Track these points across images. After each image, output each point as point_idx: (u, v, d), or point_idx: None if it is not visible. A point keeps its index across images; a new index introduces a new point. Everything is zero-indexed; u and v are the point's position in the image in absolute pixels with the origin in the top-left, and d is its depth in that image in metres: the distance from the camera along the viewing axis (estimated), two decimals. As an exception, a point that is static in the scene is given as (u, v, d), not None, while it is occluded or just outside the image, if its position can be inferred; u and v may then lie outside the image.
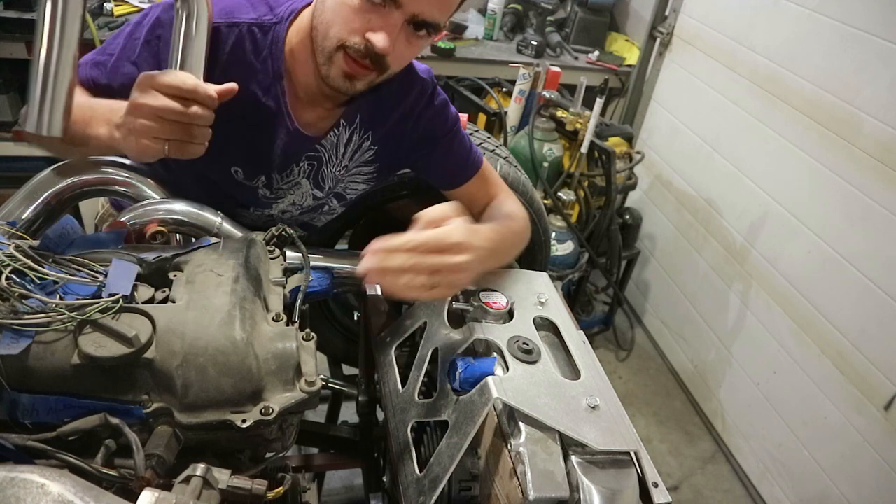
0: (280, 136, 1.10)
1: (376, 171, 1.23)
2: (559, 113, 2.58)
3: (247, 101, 1.04)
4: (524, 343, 0.86)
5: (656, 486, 0.78)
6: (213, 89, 0.86)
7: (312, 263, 1.04)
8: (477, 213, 1.20)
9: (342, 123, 1.14)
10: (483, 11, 3.28)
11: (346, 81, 1.00)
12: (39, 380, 0.67)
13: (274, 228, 1.00)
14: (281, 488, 0.72)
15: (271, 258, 0.96)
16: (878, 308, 2.00)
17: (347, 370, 1.71)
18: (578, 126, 2.52)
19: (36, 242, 0.78)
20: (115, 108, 0.91)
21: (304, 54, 1.04)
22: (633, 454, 0.78)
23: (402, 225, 1.41)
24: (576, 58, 3.20)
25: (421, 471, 0.82)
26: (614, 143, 2.66)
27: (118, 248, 0.83)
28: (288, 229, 1.00)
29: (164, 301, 0.76)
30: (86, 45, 0.98)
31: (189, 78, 0.86)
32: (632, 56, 3.24)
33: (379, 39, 0.93)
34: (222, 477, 0.64)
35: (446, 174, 1.23)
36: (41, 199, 1.01)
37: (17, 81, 2.53)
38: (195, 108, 0.85)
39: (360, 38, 0.95)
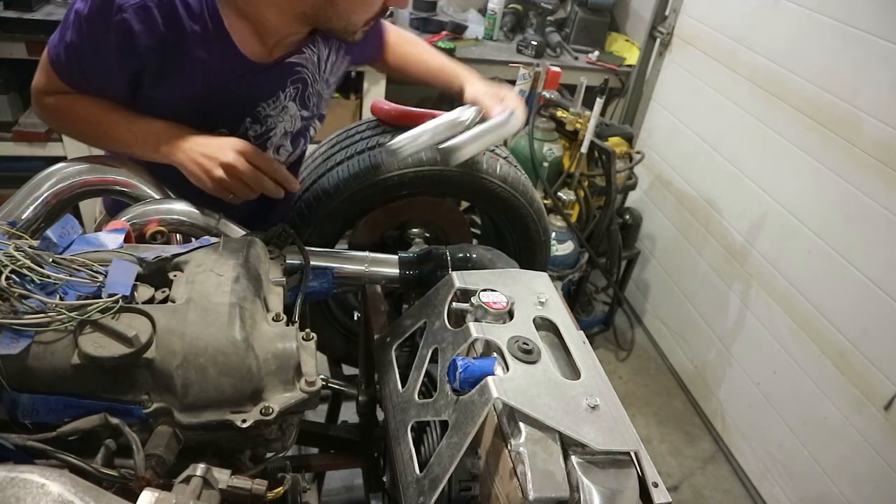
0: (252, 78, 1.14)
1: (342, 65, 1.33)
2: (559, 113, 2.58)
3: (201, 66, 1.07)
4: (524, 343, 0.86)
5: (656, 486, 0.78)
6: (293, 180, 1.12)
7: (312, 263, 1.04)
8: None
9: (318, 41, 1.20)
10: (483, 11, 3.28)
11: (364, 34, 1.15)
12: (39, 380, 0.67)
13: (274, 228, 1.00)
14: (281, 488, 0.72)
15: (271, 258, 0.96)
16: (878, 308, 2.00)
17: (347, 370, 1.71)
18: (578, 126, 2.52)
19: (36, 242, 0.78)
20: (196, 142, 1.07)
21: (272, 9, 1.06)
22: (633, 454, 0.78)
23: (402, 224, 1.42)
24: (576, 58, 3.20)
25: (421, 471, 0.82)
26: (614, 143, 2.66)
27: (118, 248, 0.83)
28: (288, 229, 1.00)
29: (164, 301, 0.76)
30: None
31: (280, 168, 1.11)
32: (632, 56, 3.24)
33: (402, 4, 1.15)
34: (222, 477, 0.64)
35: (377, 47, 1.42)
36: (41, 199, 1.01)
37: (17, 81, 2.53)
38: (270, 185, 1.08)
39: (380, 9, 1.10)
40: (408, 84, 1.51)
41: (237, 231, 1.08)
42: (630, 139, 2.85)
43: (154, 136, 1.08)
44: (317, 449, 1.50)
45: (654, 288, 3.25)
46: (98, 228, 1.36)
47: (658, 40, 3.08)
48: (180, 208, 1.05)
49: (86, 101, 1.10)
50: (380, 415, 1.19)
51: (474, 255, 1.15)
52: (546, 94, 2.58)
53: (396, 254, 1.17)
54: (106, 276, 0.73)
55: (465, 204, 1.97)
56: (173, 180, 1.12)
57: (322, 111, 1.34)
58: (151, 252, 0.82)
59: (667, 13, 3.02)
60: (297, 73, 1.19)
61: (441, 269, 1.12)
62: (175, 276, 0.80)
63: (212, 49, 1.06)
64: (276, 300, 0.88)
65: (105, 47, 1.01)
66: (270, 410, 0.71)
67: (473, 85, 1.31)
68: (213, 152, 1.05)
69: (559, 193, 2.55)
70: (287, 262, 1.00)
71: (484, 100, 1.23)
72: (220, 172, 1.04)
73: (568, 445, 0.77)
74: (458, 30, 3.11)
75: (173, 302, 0.76)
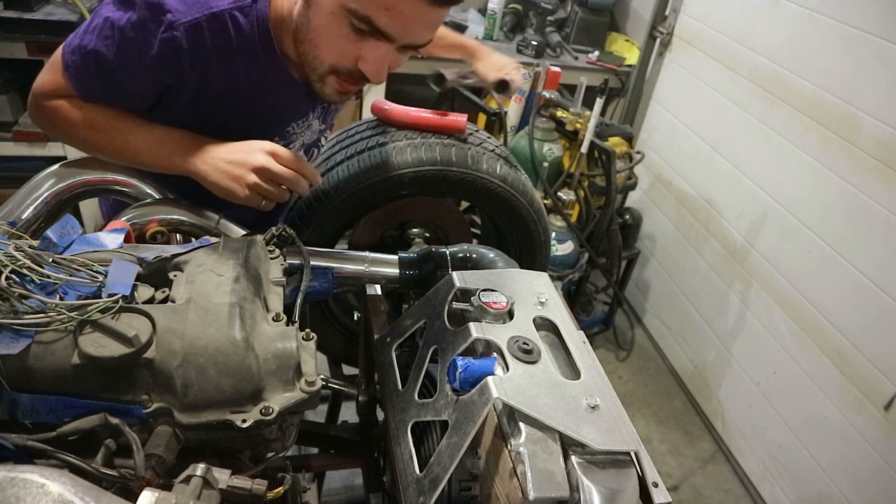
0: (292, 99, 1.14)
1: None
2: (559, 113, 2.58)
3: (247, 86, 1.05)
4: (524, 343, 0.86)
5: (656, 486, 0.78)
6: (318, 174, 1.06)
7: (312, 263, 1.04)
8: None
9: None
10: (483, 11, 3.29)
11: (339, 96, 1.07)
12: (39, 380, 0.67)
13: (274, 228, 1.00)
14: (281, 488, 0.72)
15: (271, 258, 0.96)
16: (878, 308, 2.00)
17: (347, 370, 1.71)
18: (578, 126, 2.52)
19: (36, 242, 0.78)
20: (218, 150, 1.02)
21: (291, 39, 1.04)
22: (633, 454, 0.78)
23: (402, 224, 1.42)
24: (576, 58, 3.20)
25: (421, 471, 0.82)
26: (614, 143, 2.66)
27: (118, 248, 0.83)
28: (288, 229, 1.00)
29: (164, 301, 0.76)
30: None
31: (307, 164, 1.05)
32: (632, 56, 3.24)
33: (372, 74, 0.98)
34: (222, 477, 0.64)
35: None
36: (41, 199, 1.01)
37: (17, 81, 2.52)
38: (304, 184, 1.04)
39: (352, 64, 0.98)
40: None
41: (237, 231, 1.08)
42: (630, 139, 2.85)
43: (170, 146, 1.02)
44: (317, 449, 1.50)
45: (654, 288, 3.25)
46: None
47: (658, 40, 3.08)
48: (180, 208, 1.05)
49: (93, 107, 1.04)
50: (380, 415, 1.19)
51: (474, 255, 1.15)
52: (546, 94, 2.58)
53: (396, 254, 1.17)
54: (106, 276, 0.73)
55: (465, 204, 1.97)
56: (173, 181, 1.12)
57: (333, 121, 1.35)
58: (151, 252, 0.82)
59: (667, 13, 3.03)
60: None
61: (441, 269, 1.12)
62: (175, 276, 0.80)
63: (261, 68, 1.04)
64: (276, 300, 0.88)
65: (141, 61, 0.97)
66: (270, 410, 0.71)
67: (484, 61, 1.49)
68: (241, 158, 1.00)
69: (559, 193, 2.55)
70: (287, 262, 1.00)
71: (489, 76, 1.49)
72: (253, 178, 0.99)
73: (568, 445, 0.77)
74: (458, 30, 3.11)
75: (173, 302, 0.76)
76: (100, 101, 1.04)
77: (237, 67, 1.02)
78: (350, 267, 1.13)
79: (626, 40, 3.36)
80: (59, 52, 1.03)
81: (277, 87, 1.09)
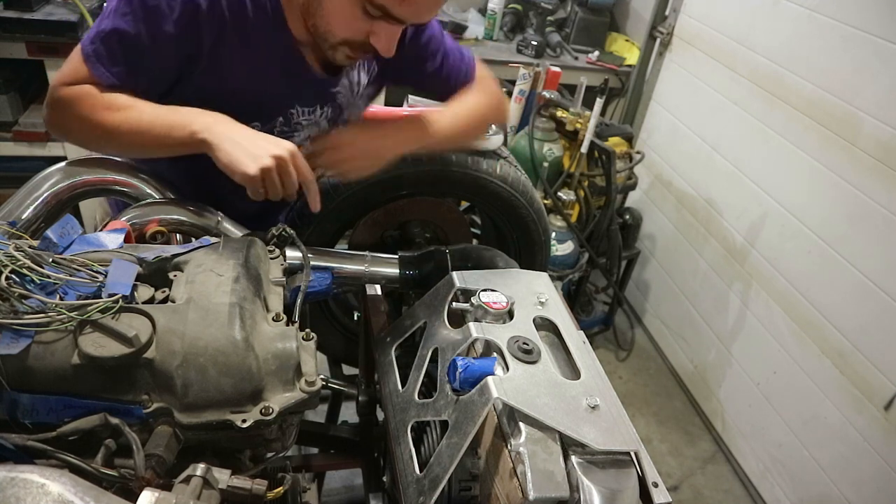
0: (299, 81, 1.15)
1: (374, 91, 1.33)
2: (559, 113, 2.58)
3: (257, 57, 1.07)
4: (524, 343, 0.86)
5: (656, 486, 0.78)
6: (319, 204, 1.05)
7: (312, 263, 1.04)
8: None
9: (354, 68, 1.22)
10: (483, 11, 3.28)
11: (349, 61, 1.13)
12: (39, 380, 0.67)
13: (274, 229, 1.00)
14: (281, 488, 0.72)
15: (271, 258, 0.96)
16: (878, 308, 2.00)
17: (347, 370, 1.71)
18: (578, 126, 2.52)
19: (36, 242, 0.78)
20: (239, 127, 1.01)
21: (296, 12, 1.06)
22: (633, 454, 0.78)
23: (403, 224, 1.42)
24: (576, 58, 3.20)
25: (421, 471, 0.82)
26: (614, 143, 2.66)
27: (118, 248, 0.83)
28: (288, 229, 1.00)
29: (164, 301, 0.76)
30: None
31: (316, 186, 1.04)
32: (632, 56, 3.24)
33: (384, 50, 1.05)
34: (222, 477, 0.64)
35: (446, 86, 1.30)
36: (41, 199, 1.01)
37: (17, 81, 2.52)
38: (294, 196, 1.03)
39: (364, 38, 1.03)
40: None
41: (237, 231, 1.08)
42: (630, 139, 2.85)
43: (187, 117, 0.99)
44: (317, 449, 1.50)
45: (654, 288, 3.25)
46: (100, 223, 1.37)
47: (658, 40, 3.08)
48: (180, 208, 1.05)
49: (109, 92, 1.01)
50: (380, 415, 1.19)
51: (474, 255, 1.15)
52: (546, 94, 2.58)
53: (396, 254, 1.17)
54: (106, 276, 0.73)
55: (465, 204, 1.97)
56: (173, 181, 1.12)
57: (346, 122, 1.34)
58: (151, 252, 0.82)
59: (667, 13, 3.03)
60: (332, 95, 1.22)
61: (441, 269, 1.12)
62: (175, 276, 0.80)
63: (271, 38, 1.07)
64: (276, 300, 0.88)
65: (164, 28, 0.98)
66: (270, 410, 0.71)
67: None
68: (265, 142, 0.99)
69: (559, 193, 2.55)
70: (287, 262, 1.00)
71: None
72: (269, 162, 0.97)
73: (568, 445, 0.77)
74: (458, 30, 3.11)
75: (173, 302, 0.76)
76: (121, 83, 1.02)
77: (249, 35, 1.04)
78: (350, 267, 1.13)
79: (626, 40, 3.36)
80: (76, 49, 1.02)
81: (285, 62, 1.11)
